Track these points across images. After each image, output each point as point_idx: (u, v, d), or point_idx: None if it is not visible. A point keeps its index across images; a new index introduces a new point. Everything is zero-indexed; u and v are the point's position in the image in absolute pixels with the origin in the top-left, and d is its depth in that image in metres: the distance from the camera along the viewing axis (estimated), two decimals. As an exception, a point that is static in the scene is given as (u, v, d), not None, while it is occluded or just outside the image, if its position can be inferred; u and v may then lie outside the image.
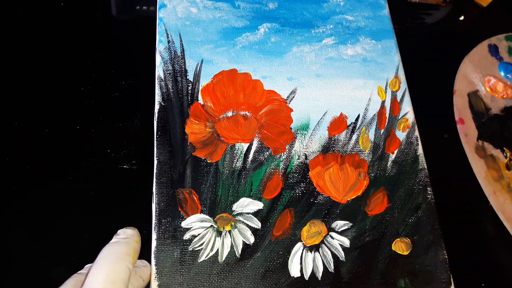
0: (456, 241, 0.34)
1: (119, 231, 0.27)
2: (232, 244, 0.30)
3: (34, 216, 0.31)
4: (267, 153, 0.34)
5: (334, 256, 0.32)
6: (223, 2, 0.38)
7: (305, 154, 0.34)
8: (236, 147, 0.33)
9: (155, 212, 0.30)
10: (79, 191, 0.32)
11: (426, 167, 0.36)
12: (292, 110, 0.35)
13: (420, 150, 0.37)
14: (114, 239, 0.26)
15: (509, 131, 0.44)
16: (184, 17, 0.37)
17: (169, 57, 0.35)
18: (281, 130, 0.35)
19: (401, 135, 0.37)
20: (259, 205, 0.32)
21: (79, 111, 0.35)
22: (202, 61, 0.35)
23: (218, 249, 0.30)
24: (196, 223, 0.30)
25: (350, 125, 0.36)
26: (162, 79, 0.34)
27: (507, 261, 0.38)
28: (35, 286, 0.29)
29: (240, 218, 0.31)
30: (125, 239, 0.26)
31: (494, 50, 0.48)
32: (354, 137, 0.36)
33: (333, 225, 0.33)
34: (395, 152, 0.36)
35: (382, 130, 0.37)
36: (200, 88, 0.34)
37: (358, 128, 0.36)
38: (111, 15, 0.41)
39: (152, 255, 0.29)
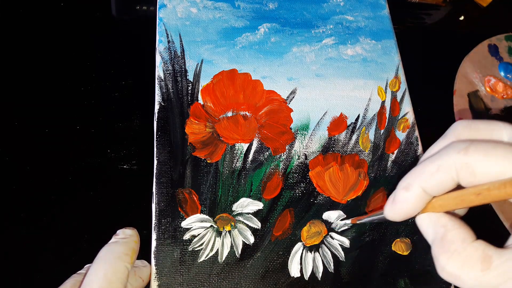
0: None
1: (118, 231, 0.27)
2: (232, 244, 0.30)
3: (34, 216, 0.31)
4: (267, 153, 0.34)
5: (334, 256, 0.32)
6: (223, 2, 0.38)
7: (305, 154, 0.34)
8: (236, 147, 0.33)
9: (155, 212, 0.30)
10: (79, 191, 0.32)
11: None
12: (292, 110, 0.35)
13: (420, 150, 0.37)
14: (113, 239, 0.26)
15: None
16: (184, 17, 0.37)
17: (169, 57, 0.35)
18: (281, 130, 0.35)
19: (401, 135, 0.37)
20: (259, 205, 0.32)
21: (79, 111, 0.35)
22: (202, 61, 0.35)
23: (218, 249, 0.30)
24: (196, 223, 0.30)
25: (350, 125, 0.36)
26: (162, 79, 0.34)
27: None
28: (35, 286, 0.29)
29: (240, 218, 0.31)
30: (124, 239, 0.26)
31: (494, 50, 0.48)
32: (354, 137, 0.36)
33: (333, 225, 0.33)
34: (395, 152, 0.36)
35: (382, 130, 0.37)
36: (200, 88, 0.34)
37: (358, 128, 0.36)
38: (111, 15, 0.41)
39: (152, 255, 0.29)
